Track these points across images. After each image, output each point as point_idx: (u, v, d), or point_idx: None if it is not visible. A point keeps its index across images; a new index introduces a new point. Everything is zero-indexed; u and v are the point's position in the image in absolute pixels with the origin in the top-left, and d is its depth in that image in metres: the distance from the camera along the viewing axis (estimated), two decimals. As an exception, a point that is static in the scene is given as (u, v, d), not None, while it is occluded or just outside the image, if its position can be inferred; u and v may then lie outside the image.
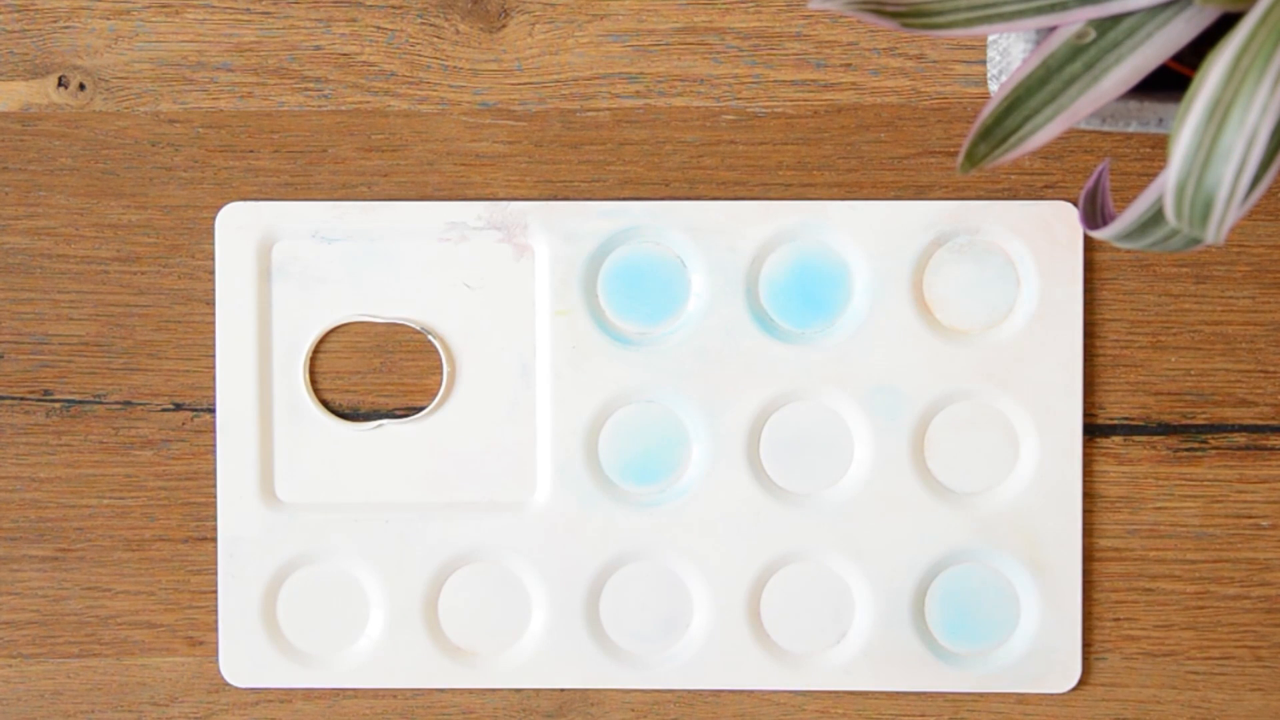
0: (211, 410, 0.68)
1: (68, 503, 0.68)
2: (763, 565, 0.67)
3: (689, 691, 0.68)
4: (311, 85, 0.67)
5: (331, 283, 0.67)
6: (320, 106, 0.67)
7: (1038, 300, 0.66)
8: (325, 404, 0.68)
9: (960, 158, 0.52)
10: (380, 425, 0.68)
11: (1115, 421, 0.67)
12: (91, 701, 0.68)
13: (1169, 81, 0.55)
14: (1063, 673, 0.67)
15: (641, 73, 0.67)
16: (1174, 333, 0.67)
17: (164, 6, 0.67)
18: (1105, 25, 0.52)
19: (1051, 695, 0.67)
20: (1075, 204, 0.66)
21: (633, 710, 0.68)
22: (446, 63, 0.67)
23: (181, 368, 0.68)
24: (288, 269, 0.67)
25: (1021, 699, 0.68)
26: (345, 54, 0.67)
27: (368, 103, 0.67)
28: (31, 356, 0.68)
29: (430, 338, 0.67)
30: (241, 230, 0.67)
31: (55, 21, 0.67)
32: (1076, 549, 0.67)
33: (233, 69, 0.67)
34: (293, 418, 0.67)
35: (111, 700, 0.68)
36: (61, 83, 0.67)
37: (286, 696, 0.68)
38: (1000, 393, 0.67)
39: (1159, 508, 0.67)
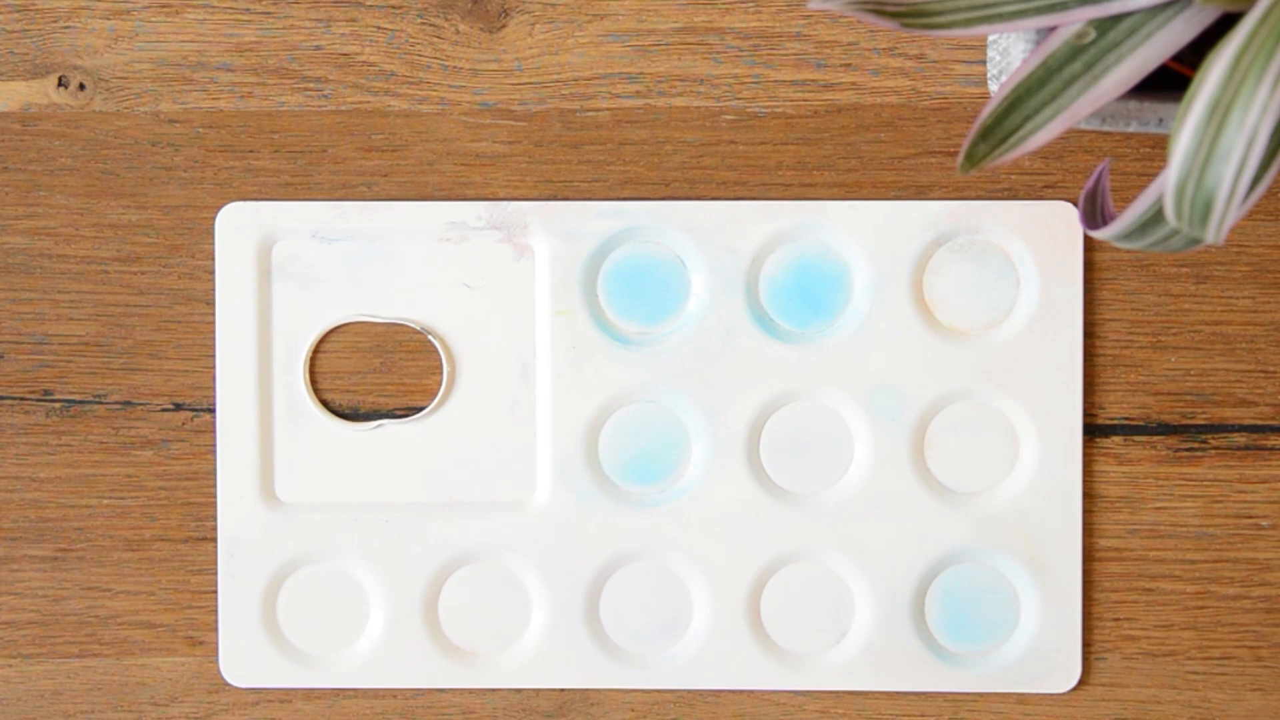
0: (211, 410, 0.68)
1: (68, 503, 0.68)
2: (763, 565, 0.67)
3: (689, 691, 0.68)
4: (311, 85, 0.67)
5: (331, 283, 0.67)
6: (320, 106, 0.67)
7: (1038, 300, 0.66)
8: (325, 404, 0.68)
9: (960, 158, 0.52)
10: (380, 425, 0.68)
11: (1115, 421, 0.67)
12: (91, 701, 0.68)
13: (1169, 81, 0.55)
14: (1063, 673, 0.67)
15: (641, 73, 0.67)
16: (1174, 333, 0.67)
17: (164, 6, 0.67)
18: (1105, 25, 0.52)
19: (1051, 695, 0.67)
20: (1075, 204, 0.66)
21: (633, 710, 0.68)
22: (446, 63, 0.67)
23: (181, 368, 0.68)
24: (288, 269, 0.67)
25: (1021, 699, 0.68)
26: (345, 54, 0.67)
27: (368, 103, 0.67)
28: (31, 356, 0.68)
29: (430, 338, 0.67)
30: (241, 230, 0.67)
31: (55, 21, 0.67)
32: (1076, 549, 0.67)
33: (233, 69, 0.67)
34: (293, 418, 0.67)
35: (111, 700, 0.68)
36: (61, 83, 0.67)
37: (286, 696, 0.68)
38: (1000, 393, 0.67)
39: (1159, 508, 0.67)
